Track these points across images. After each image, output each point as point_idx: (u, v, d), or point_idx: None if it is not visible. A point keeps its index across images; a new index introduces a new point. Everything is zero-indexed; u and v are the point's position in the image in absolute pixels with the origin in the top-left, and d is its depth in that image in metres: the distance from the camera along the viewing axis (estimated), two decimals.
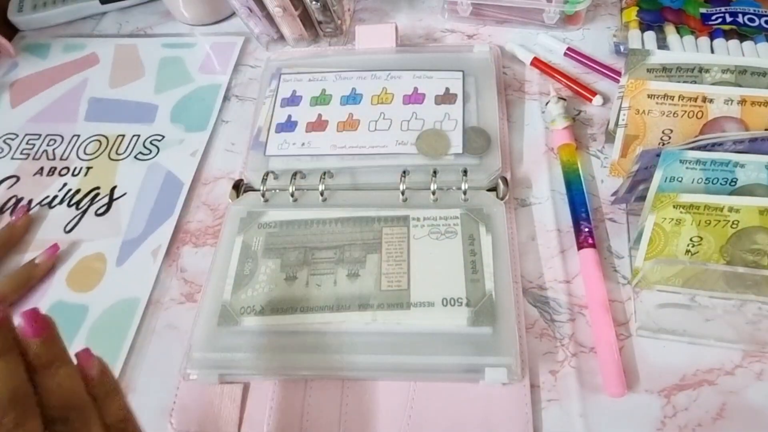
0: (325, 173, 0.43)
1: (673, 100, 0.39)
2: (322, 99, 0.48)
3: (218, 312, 0.38)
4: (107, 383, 0.26)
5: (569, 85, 0.49)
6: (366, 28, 0.52)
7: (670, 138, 0.40)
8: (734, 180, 0.36)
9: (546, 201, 0.43)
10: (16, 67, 0.57)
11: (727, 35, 0.50)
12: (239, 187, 0.44)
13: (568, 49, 0.52)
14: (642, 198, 0.38)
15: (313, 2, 0.51)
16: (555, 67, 0.51)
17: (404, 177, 0.42)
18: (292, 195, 0.43)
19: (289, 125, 0.47)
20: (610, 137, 0.45)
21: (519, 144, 0.47)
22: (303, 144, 0.46)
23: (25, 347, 0.23)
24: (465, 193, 0.41)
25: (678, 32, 0.50)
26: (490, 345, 0.35)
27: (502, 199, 0.42)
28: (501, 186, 0.42)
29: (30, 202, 0.47)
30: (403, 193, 0.42)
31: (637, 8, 0.52)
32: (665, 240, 0.36)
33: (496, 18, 0.55)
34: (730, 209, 0.34)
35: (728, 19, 0.49)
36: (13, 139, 0.51)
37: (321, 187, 0.42)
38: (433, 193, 0.41)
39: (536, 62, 0.51)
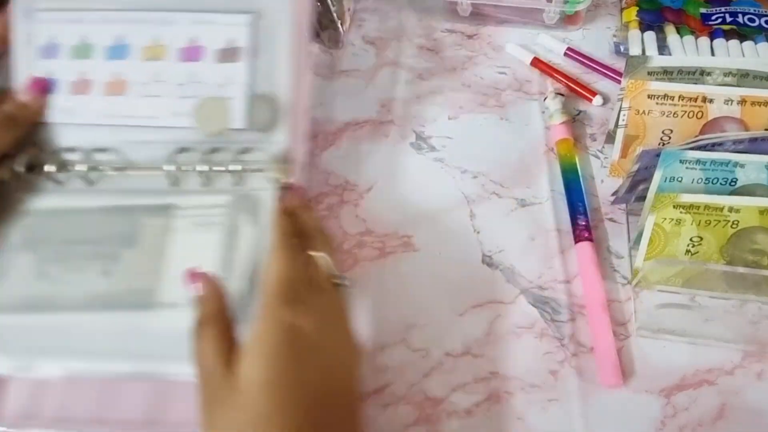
0: (90, 151, 0.38)
1: (673, 100, 0.39)
2: (82, 51, 0.39)
3: None
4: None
5: (569, 85, 0.49)
6: None
7: (670, 138, 0.40)
8: (734, 180, 0.36)
9: (546, 201, 0.43)
10: None
11: (727, 35, 0.50)
12: None
13: (568, 49, 0.52)
14: (642, 198, 0.38)
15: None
16: (555, 67, 0.51)
17: (175, 157, 0.37)
18: (54, 178, 0.38)
19: (49, 86, 0.39)
20: (610, 137, 0.45)
21: (519, 144, 0.47)
22: (64, 111, 0.38)
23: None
24: (239, 176, 0.36)
25: (678, 32, 0.50)
26: None
27: (283, 180, 0.36)
28: (281, 166, 0.36)
29: None
30: (172, 177, 0.37)
31: (637, 8, 0.52)
32: (665, 240, 0.36)
33: (496, 18, 0.55)
34: (730, 209, 0.34)
35: (728, 19, 0.49)
36: None
37: (84, 168, 0.37)
38: (204, 176, 0.37)
39: (536, 62, 0.51)
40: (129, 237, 0.36)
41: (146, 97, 0.38)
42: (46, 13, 0.39)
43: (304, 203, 0.36)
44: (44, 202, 0.38)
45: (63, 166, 0.38)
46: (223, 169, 0.37)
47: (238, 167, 0.36)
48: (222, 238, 0.35)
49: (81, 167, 0.38)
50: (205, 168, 0.37)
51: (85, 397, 0.35)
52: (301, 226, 0.33)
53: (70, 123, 0.39)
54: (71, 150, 0.39)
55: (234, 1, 0.38)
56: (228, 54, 0.38)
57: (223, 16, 0.38)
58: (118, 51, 0.39)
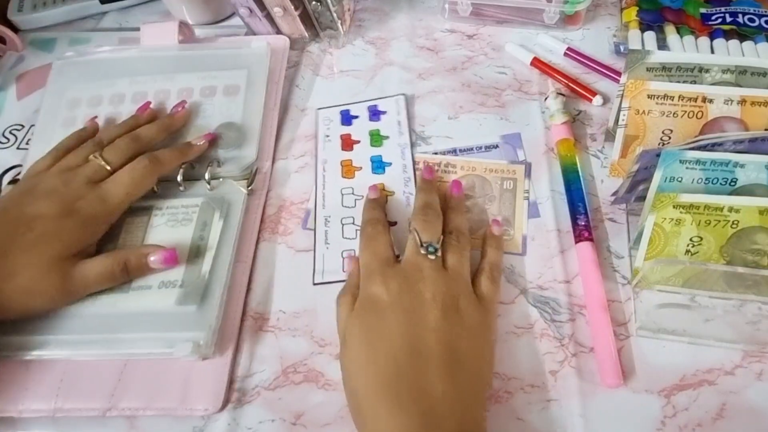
0: None
1: (673, 100, 0.39)
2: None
3: None
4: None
5: (569, 85, 0.49)
6: (150, 26, 0.53)
7: (670, 138, 0.40)
8: (734, 180, 0.36)
9: (546, 201, 0.43)
10: (23, 61, 0.57)
11: (727, 35, 0.50)
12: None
13: (568, 49, 0.52)
14: (642, 198, 0.38)
15: (313, 2, 0.51)
16: (555, 67, 0.51)
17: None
18: None
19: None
20: (610, 137, 0.45)
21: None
22: None
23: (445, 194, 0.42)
24: (209, 182, 0.44)
25: (678, 32, 0.50)
26: (191, 321, 0.37)
27: (249, 186, 0.44)
28: (251, 176, 0.45)
29: None
30: (155, 186, 0.43)
31: (637, 8, 0.52)
32: (665, 240, 0.36)
33: (496, 18, 0.55)
34: (730, 209, 0.34)
35: (728, 19, 0.49)
36: (18, 130, 0.52)
37: None
38: (180, 184, 0.44)
39: (536, 62, 0.51)
40: (112, 233, 0.41)
41: None
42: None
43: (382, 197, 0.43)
44: None
45: None
46: (196, 178, 0.44)
47: (207, 175, 0.44)
48: (193, 231, 0.41)
49: None
50: (180, 178, 0.44)
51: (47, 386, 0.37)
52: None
53: None
54: None
55: (230, 61, 0.51)
56: (230, 90, 0.49)
57: (222, 72, 0.50)
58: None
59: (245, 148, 0.46)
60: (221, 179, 0.44)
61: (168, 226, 0.42)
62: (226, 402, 0.36)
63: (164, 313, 0.38)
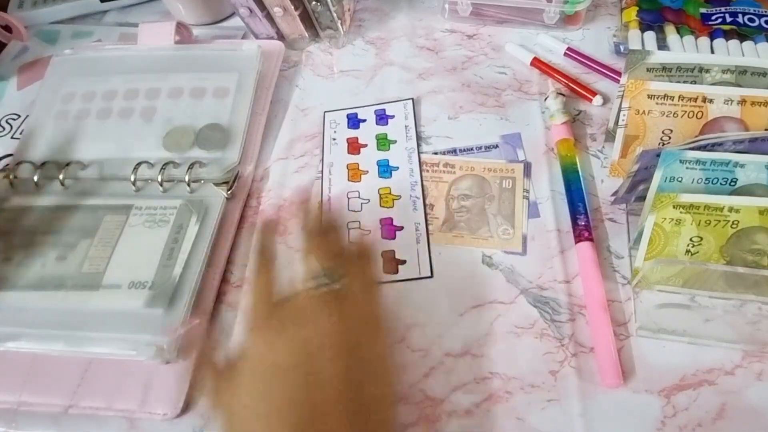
0: (69, 163, 0.45)
1: (673, 100, 0.39)
2: (131, 93, 0.50)
3: None
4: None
5: (569, 85, 0.49)
6: (148, 26, 0.53)
7: (670, 138, 0.40)
8: (734, 180, 0.36)
9: (546, 201, 0.43)
10: (26, 52, 0.58)
11: (727, 35, 0.50)
12: None
13: (568, 49, 0.52)
14: (642, 198, 0.38)
15: (313, 2, 0.51)
16: (555, 67, 0.51)
17: (137, 168, 0.44)
18: (36, 183, 0.45)
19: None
20: (610, 137, 0.45)
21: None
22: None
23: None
24: (189, 184, 0.44)
25: (678, 32, 0.50)
26: (156, 325, 0.37)
27: (229, 191, 0.44)
28: (232, 181, 0.44)
29: None
30: (134, 183, 0.44)
31: (637, 8, 0.52)
32: (665, 240, 0.36)
33: (496, 18, 0.55)
34: (730, 209, 0.34)
35: (728, 19, 0.49)
36: (14, 120, 0.52)
37: (61, 176, 0.45)
38: (161, 184, 0.44)
39: (536, 62, 0.51)
40: (89, 230, 0.42)
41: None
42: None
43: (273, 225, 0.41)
44: (20, 201, 0.44)
45: (47, 176, 0.45)
46: (177, 179, 0.44)
47: (186, 177, 0.43)
48: (169, 234, 0.41)
49: (60, 175, 0.45)
50: (161, 178, 0.44)
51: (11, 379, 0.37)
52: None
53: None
54: (56, 163, 0.46)
55: (222, 63, 0.51)
56: (219, 92, 0.49)
57: (214, 74, 0.50)
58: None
59: (228, 151, 0.45)
60: (202, 182, 0.44)
61: (145, 226, 0.42)
62: (185, 407, 0.35)
63: (132, 314, 0.38)
